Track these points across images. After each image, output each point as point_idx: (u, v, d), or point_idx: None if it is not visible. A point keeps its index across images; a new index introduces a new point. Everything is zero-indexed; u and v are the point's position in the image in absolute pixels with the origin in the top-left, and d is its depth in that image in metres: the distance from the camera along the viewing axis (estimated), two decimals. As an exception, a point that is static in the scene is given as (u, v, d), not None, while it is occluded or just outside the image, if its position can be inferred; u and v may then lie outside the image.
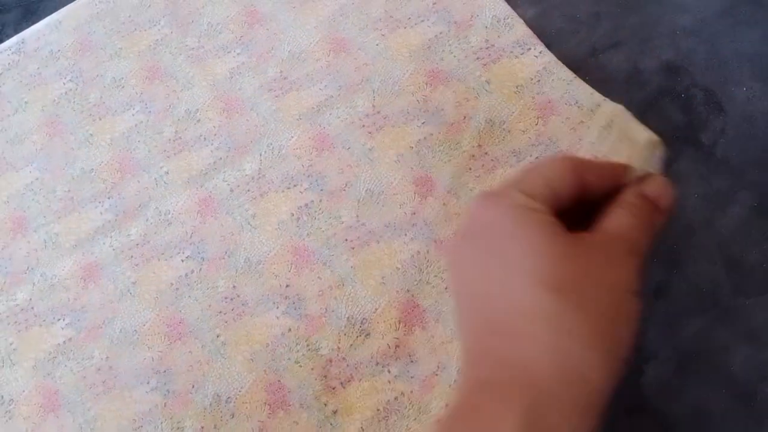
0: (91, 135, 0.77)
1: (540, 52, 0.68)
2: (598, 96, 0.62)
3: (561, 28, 0.68)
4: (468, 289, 0.33)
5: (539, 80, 0.65)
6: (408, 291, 0.58)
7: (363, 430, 0.56)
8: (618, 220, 0.33)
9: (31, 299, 0.68)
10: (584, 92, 0.62)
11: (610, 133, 0.50)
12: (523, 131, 0.62)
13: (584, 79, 0.64)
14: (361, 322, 0.59)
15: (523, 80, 0.66)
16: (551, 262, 0.29)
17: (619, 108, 0.56)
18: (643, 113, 0.55)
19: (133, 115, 0.77)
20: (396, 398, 0.56)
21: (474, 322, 0.32)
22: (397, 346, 0.57)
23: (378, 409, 0.56)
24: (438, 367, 0.55)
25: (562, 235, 0.31)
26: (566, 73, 0.64)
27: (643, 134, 0.47)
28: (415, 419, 0.54)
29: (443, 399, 0.54)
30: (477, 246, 0.33)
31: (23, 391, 0.63)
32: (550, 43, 0.67)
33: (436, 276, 0.59)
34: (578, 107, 0.61)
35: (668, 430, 0.52)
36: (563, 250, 0.30)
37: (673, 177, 0.55)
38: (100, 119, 0.78)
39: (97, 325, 0.65)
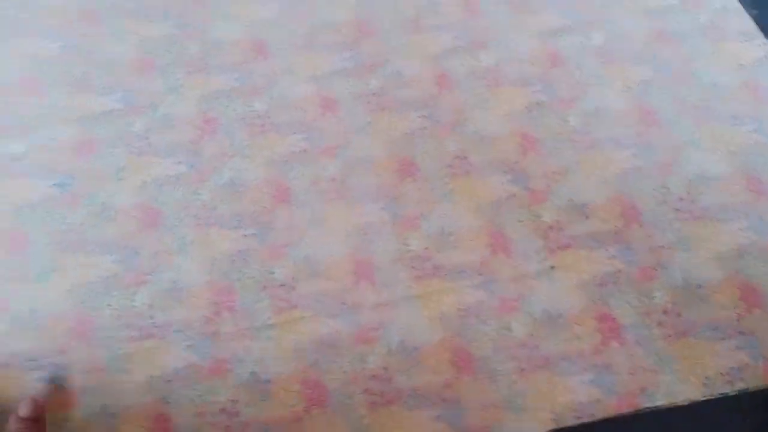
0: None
1: (764, 43, 0.78)
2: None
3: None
4: None
5: (761, 66, 0.75)
6: (626, 194, 0.67)
7: (582, 288, 0.64)
8: None
9: (268, 110, 0.75)
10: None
11: None
12: (741, 101, 0.72)
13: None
14: (582, 206, 0.67)
15: (746, 62, 0.77)
16: None
17: None
18: None
19: None
20: (613, 273, 0.64)
21: None
22: (616, 233, 0.65)
23: (595, 276, 0.64)
24: (657, 265, 0.64)
25: None
26: None
27: None
28: (636, 298, 0.63)
29: (666, 294, 0.62)
30: None
31: (255, 179, 0.72)
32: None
33: (655, 188, 0.68)
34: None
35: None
36: None
37: None
38: None
39: (332, 147, 0.72)
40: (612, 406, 0.58)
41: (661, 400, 0.58)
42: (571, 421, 0.57)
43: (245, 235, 0.67)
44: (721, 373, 0.58)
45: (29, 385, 0.58)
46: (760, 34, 0.77)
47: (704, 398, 0.58)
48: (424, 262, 0.65)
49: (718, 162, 0.69)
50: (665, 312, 0.60)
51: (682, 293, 0.62)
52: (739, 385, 0.58)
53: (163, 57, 0.78)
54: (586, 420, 0.57)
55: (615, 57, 0.78)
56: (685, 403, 0.57)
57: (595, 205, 0.67)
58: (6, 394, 0.56)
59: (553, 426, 0.57)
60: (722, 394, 0.58)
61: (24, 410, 0.53)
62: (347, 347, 0.61)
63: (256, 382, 0.59)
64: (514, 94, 0.75)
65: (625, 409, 0.58)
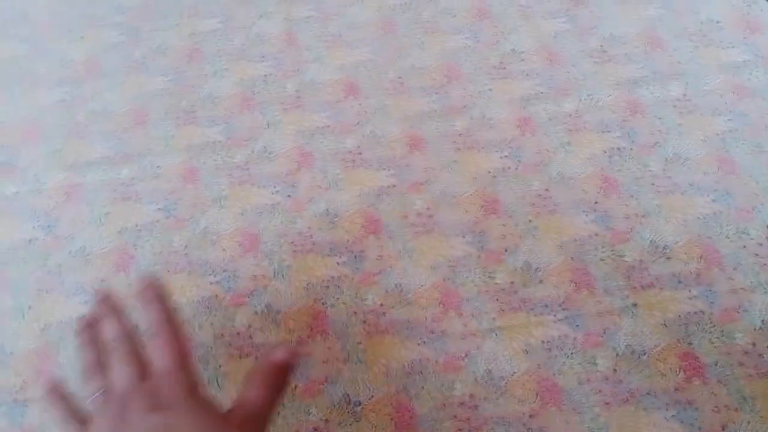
0: (422, 42, 0.90)
1: None
2: None
3: None
4: None
5: None
6: (709, 237, 0.69)
7: (665, 326, 0.65)
8: (247, 392, 0.43)
9: (359, 146, 0.79)
10: None
11: None
12: None
13: None
14: (664, 247, 0.69)
15: None
16: None
17: None
18: None
19: (462, 39, 0.90)
20: (695, 312, 0.66)
21: None
22: (698, 275, 0.67)
23: (679, 315, 0.66)
24: (740, 307, 0.65)
25: (213, 417, 0.41)
26: None
27: None
28: (719, 338, 0.64)
29: (746, 335, 0.64)
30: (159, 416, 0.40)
31: (348, 210, 0.76)
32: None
33: (734, 233, 0.70)
34: None
35: None
36: (212, 428, 0.40)
37: None
38: (431, 33, 0.91)
39: (420, 182, 0.76)
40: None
41: (743, 438, 0.57)
42: (655, 455, 0.57)
43: (338, 263, 0.69)
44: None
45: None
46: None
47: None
48: (510, 296, 0.66)
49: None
50: (746, 352, 0.61)
51: (762, 334, 0.62)
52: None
53: (261, 94, 0.83)
54: (670, 454, 0.57)
55: (693, 107, 0.79)
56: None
57: (676, 247, 0.68)
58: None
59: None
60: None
61: (282, 355, 0.46)
62: (435, 374, 0.63)
63: (348, 404, 0.62)
64: (595, 138, 0.77)
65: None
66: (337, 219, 0.72)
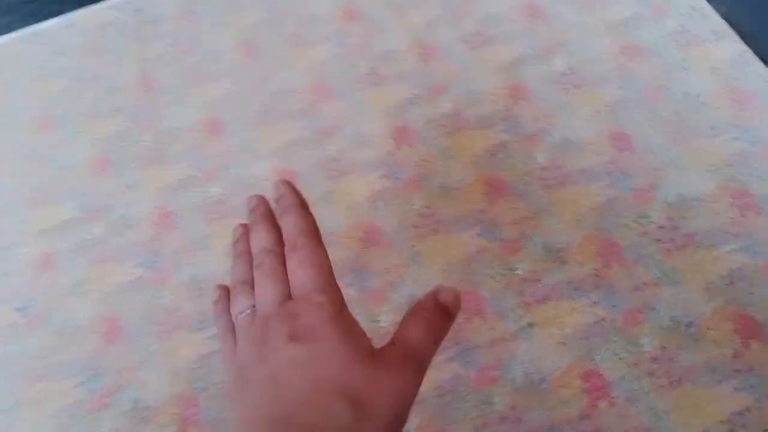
0: (287, 59, 0.82)
1: (736, 41, 0.72)
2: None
3: (752, 24, 0.73)
4: (266, 379, 0.34)
5: (735, 67, 0.70)
6: (606, 230, 0.62)
7: (564, 344, 0.59)
8: (408, 328, 0.37)
9: (224, 193, 0.72)
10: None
11: None
12: (718, 108, 0.66)
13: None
14: (558, 250, 0.62)
15: (720, 63, 0.71)
16: (348, 376, 0.33)
17: None
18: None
19: (328, 48, 0.82)
20: (597, 322, 0.60)
21: (267, 411, 0.33)
22: (596, 276, 0.60)
23: (578, 327, 0.59)
24: (643, 304, 0.59)
25: (363, 351, 0.34)
26: (765, 71, 0.69)
27: None
28: (624, 349, 0.58)
29: (654, 337, 0.57)
30: (297, 347, 0.34)
31: (214, 273, 0.70)
32: (742, 37, 0.72)
33: (634, 220, 0.62)
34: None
35: None
36: (361, 362, 0.34)
37: None
38: (295, 47, 0.83)
39: None
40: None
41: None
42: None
43: (208, 338, 0.64)
44: (721, 421, 0.51)
45: None
46: (731, 32, 0.71)
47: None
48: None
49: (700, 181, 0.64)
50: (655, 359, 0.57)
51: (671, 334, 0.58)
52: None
53: (117, 153, 0.75)
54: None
55: (579, 81, 0.72)
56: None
57: (571, 249, 0.61)
58: None
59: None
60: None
61: (446, 296, 0.39)
62: (470, 390, 0.58)
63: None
64: (477, 137, 0.69)
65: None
66: (203, 285, 0.64)
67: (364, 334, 0.36)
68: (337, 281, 0.40)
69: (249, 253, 0.42)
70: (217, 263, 0.68)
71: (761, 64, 0.69)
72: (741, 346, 0.56)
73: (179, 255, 0.69)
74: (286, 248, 0.40)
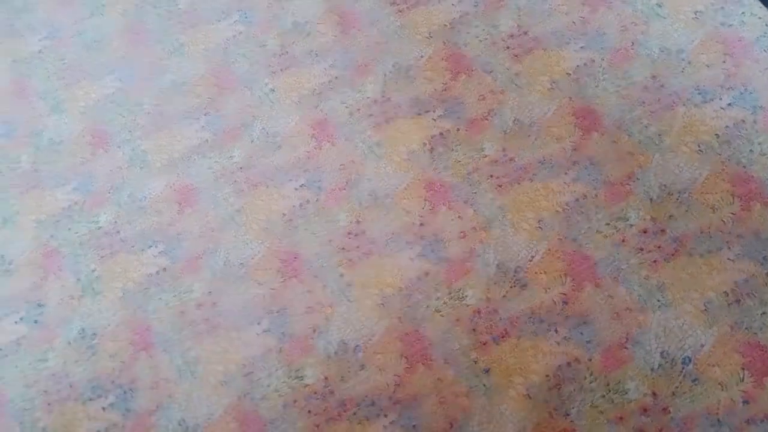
0: (182, 45, 0.66)
1: None
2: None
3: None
4: None
5: (722, 7, 0.54)
6: (574, 240, 0.48)
7: (530, 397, 0.45)
8: None
9: (116, 222, 0.57)
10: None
11: None
12: (708, 65, 0.52)
13: (775, 9, 0.54)
14: (515, 271, 0.48)
15: (703, 5, 0.56)
16: None
17: None
18: None
19: (230, 24, 0.66)
20: (570, 364, 0.46)
21: None
22: (565, 303, 0.46)
23: (547, 375, 0.45)
24: (627, 338, 0.45)
25: None
26: (762, 11, 0.54)
27: None
28: (603, 396, 0.44)
29: (642, 382, 0.44)
30: None
31: (108, 325, 0.53)
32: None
33: (609, 224, 0.48)
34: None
35: None
36: None
37: None
38: (192, 27, 0.67)
39: (197, 255, 0.55)
40: None
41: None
42: None
43: (104, 408, 0.53)
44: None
45: None
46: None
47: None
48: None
49: None
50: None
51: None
52: None
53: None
54: None
55: (538, 44, 0.56)
56: None
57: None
58: None
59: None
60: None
61: None
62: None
63: None
64: (411, 127, 0.55)
65: None
66: (96, 342, 0.51)
67: None
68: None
69: None
70: (112, 311, 0.56)
71: (758, 2, 0.54)
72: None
73: (65, 305, 0.57)
74: None
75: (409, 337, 0.50)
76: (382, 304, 0.52)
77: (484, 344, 0.49)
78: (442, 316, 0.50)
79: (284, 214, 0.57)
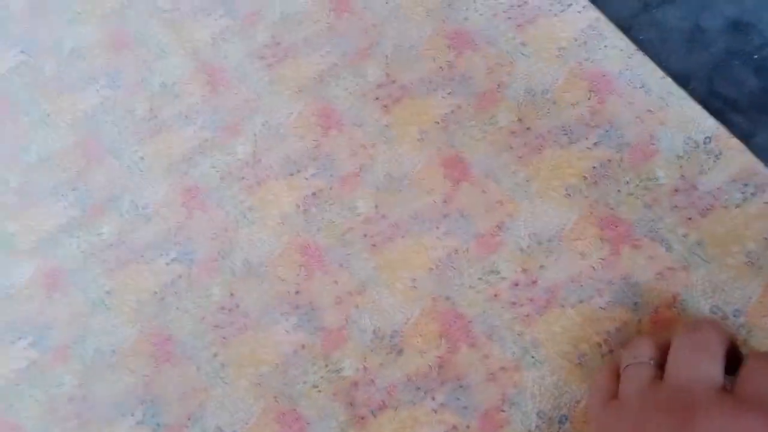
0: (48, 115, 0.63)
1: (583, 7, 0.56)
2: (669, 82, 0.51)
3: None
4: None
5: (585, 42, 0.54)
6: (447, 298, 0.46)
7: None
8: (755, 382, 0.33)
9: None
10: (649, 71, 0.52)
11: (707, 157, 0.48)
12: (573, 104, 0.51)
13: (637, 40, 0.53)
14: (391, 336, 0.47)
15: (566, 41, 0.55)
16: None
17: (721, 129, 0.47)
18: (710, 78, 0.50)
19: (97, 90, 0.63)
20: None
21: None
22: (440, 366, 0.45)
23: None
24: (503, 400, 0.43)
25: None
26: (624, 43, 0.53)
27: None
28: None
29: None
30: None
31: None
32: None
33: (481, 279, 0.47)
34: (645, 92, 0.50)
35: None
36: None
37: (753, 152, 0.45)
38: (58, 96, 0.64)
39: (66, 344, 0.52)
40: None
41: None
42: None
43: None
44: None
45: None
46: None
47: None
48: None
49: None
50: None
51: None
52: None
53: None
54: None
55: (406, 93, 0.56)
56: None
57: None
58: None
59: None
60: None
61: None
62: None
63: None
64: (282, 189, 0.53)
65: None
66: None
67: None
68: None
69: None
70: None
71: (620, 34, 0.53)
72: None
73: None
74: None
75: (286, 417, 0.48)
76: (258, 384, 0.50)
77: (362, 419, 0.47)
78: (319, 391, 0.48)
79: (156, 293, 0.54)
